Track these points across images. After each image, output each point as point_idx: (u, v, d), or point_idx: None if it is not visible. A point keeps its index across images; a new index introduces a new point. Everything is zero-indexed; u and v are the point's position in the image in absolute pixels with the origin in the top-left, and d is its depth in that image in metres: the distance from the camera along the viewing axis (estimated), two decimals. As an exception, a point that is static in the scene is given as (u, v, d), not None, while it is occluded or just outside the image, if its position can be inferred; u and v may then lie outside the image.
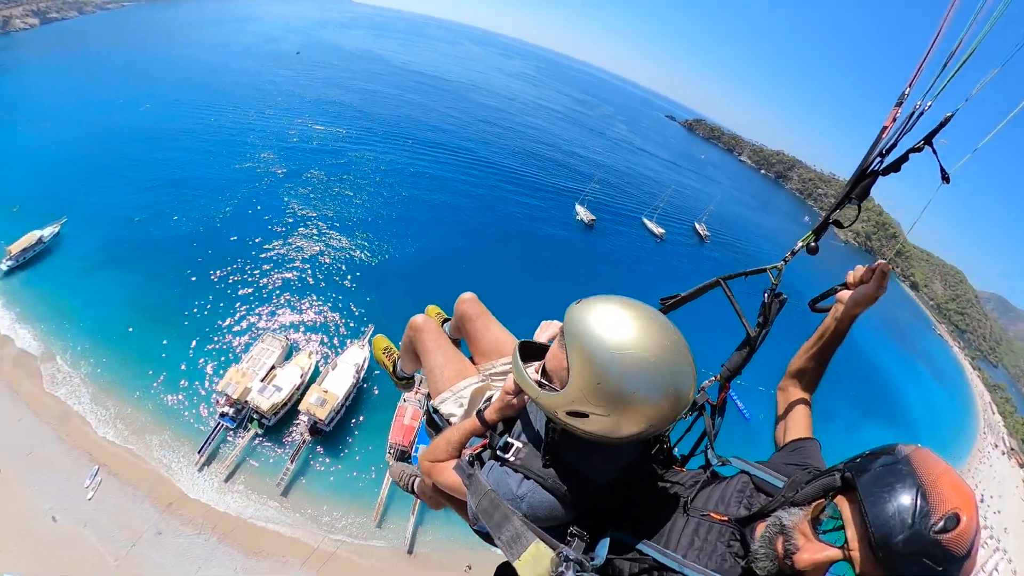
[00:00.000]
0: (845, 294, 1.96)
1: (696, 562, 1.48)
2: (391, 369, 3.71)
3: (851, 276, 1.95)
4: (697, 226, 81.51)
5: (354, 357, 31.77)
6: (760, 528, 1.40)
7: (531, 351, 2.01)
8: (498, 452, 1.86)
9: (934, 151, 1.70)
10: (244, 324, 33.71)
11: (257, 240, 41.03)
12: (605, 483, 1.76)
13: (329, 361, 32.16)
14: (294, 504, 25.94)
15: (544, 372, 1.73)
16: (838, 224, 2.02)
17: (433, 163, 68.86)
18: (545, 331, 2.32)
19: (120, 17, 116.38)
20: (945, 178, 1.76)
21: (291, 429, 28.66)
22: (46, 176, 43.39)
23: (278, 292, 36.79)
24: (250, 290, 36.23)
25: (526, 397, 1.84)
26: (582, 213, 67.47)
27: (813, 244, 2.01)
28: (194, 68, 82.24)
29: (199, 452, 26.24)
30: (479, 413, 2.13)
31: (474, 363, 2.96)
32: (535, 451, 1.77)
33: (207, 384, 29.50)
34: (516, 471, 1.76)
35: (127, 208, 41.69)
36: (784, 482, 1.54)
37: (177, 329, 32.09)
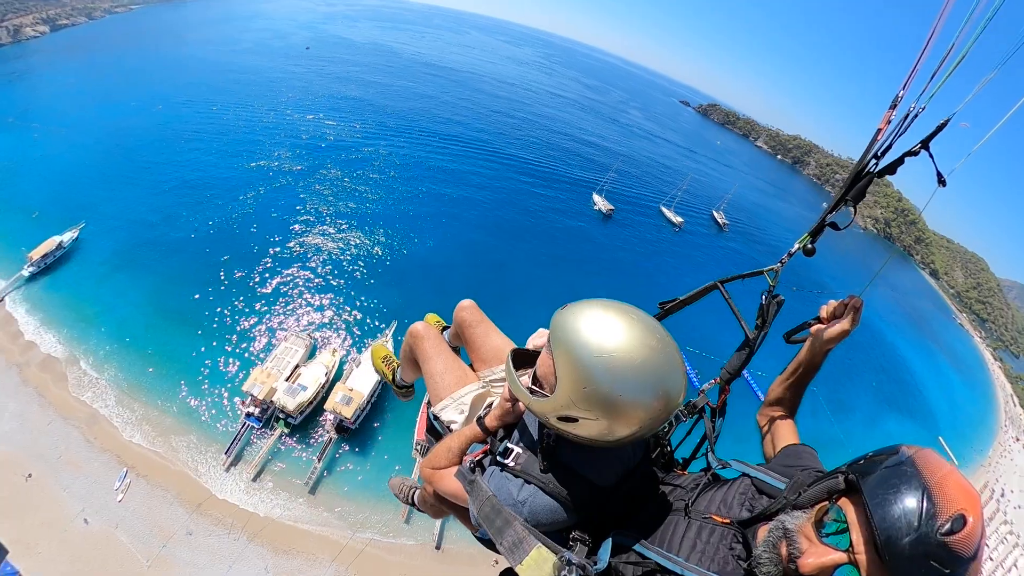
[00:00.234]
0: (818, 328, 1.99)
1: (698, 565, 1.46)
2: (391, 378, 3.73)
3: (824, 311, 1.98)
4: (715, 214, 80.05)
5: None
6: (763, 531, 1.38)
7: (525, 358, 2.03)
8: (498, 457, 1.85)
9: (930, 155, 1.75)
10: (265, 324, 33.71)
11: (275, 239, 41.04)
12: (606, 486, 1.75)
13: (353, 359, 32.11)
14: (322, 502, 26.06)
15: (535, 378, 1.75)
16: (834, 226, 1.98)
17: (449, 156, 68.41)
18: (537, 339, 2.31)
19: (129, 20, 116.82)
20: (941, 182, 1.86)
21: (317, 428, 28.72)
22: (63, 181, 43.74)
23: (299, 291, 36.76)
24: (270, 289, 36.24)
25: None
26: (600, 203, 66.69)
27: (810, 246, 2.03)
28: (204, 68, 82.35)
29: (226, 453, 26.38)
30: (479, 419, 2.15)
31: (474, 370, 2.96)
32: (534, 456, 1.77)
33: (231, 385, 29.59)
34: (516, 476, 1.75)
35: (144, 210, 41.92)
36: (786, 484, 1.53)
37: (199, 330, 32.19)
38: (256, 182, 48.87)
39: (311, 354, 31.45)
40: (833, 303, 1.93)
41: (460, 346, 3.23)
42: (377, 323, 35.57)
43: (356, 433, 28.46)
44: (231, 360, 30.98)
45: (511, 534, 1.59)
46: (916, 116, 1.71)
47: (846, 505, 1.20)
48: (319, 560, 24.01)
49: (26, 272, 33.21)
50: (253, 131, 60.98)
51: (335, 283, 38.27)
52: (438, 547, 25.46)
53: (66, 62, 77.50)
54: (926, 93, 1.65)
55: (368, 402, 28.97)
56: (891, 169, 1.82)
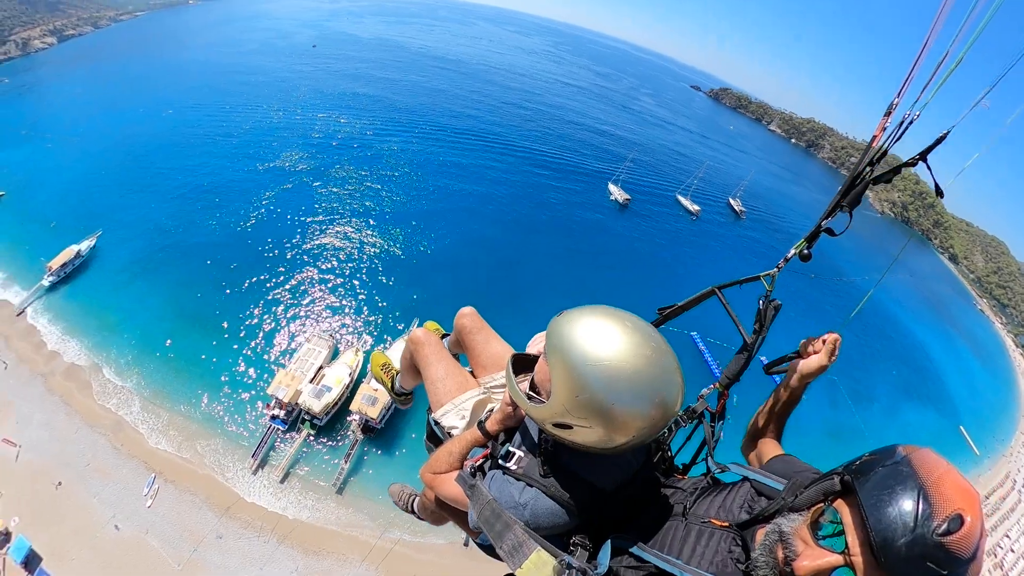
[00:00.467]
0: (798, 363, 1.99)
1: (697, 568, 1.45)
2: (390, 385, 3.69)
3: (803, 346, 1.99)
4: (732, 202, 78.72)
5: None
6: (760, 534, 1.37)
7: (525, 363, 2.04)
8: (500, 460, 1.85)
9: (928, 167, 1.77)
10: (285, 325, 33.66)
11: (291, 240, 40.98)
12: (606, 490, 1.72)
13: (376, 358, 31.82)
14: (350, 503, 26.09)
15: (533, 384, 1.78)
16: (830, 232, 1.96)
17: (462, 151, 67.88)
18: (536, 344, 2.31)
19: (134, 27, 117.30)
20: (939, 193, 1.94)
21: (342, 429, 28.64)
22: (78, 191, 44.02)
23: (318, 291, 36.67)
24: (288, 290, 36.19)
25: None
26: (616, 193, 66.00)
27: (806, 252, 2.02)
28: (210, 71, 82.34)
29: (253, 456, 26.43)
30: (480, 423, 2.14)
31: (475, 377, 2.96)
32: (536, 460, 1.75)
33: (254, 389, 29.63)
34: (518, 479, 1.74)
35: (159, 216, 42.07)
36: (784, 485, 1.50)
37: (219, 335, 32.23)
38: (269, 183, 48.78)
39: (334, 355, 31.32)
40: (813, 340, 1.96)
41: (460, 353, 3.21)
42: (398, 322, 35.35)
43: (382, 433, 28.35)
44: (252, 363, 30.96)
45: (511, 538, 1.58)
46: (911, 123, 1.71)
47: (842, 507, 1.17)
48: (349, 560, 24.08)
49: (46, 282, 33.44)
50: (263, 132, 60.86)
51: (354, 283, 38.10)
52: (466, 544, 25.20)
53: (75, 72, 78.03)
54: (920, 102, 1.66)
55: (393, 402, 28.70)
56: (887, 178, 1.83)
